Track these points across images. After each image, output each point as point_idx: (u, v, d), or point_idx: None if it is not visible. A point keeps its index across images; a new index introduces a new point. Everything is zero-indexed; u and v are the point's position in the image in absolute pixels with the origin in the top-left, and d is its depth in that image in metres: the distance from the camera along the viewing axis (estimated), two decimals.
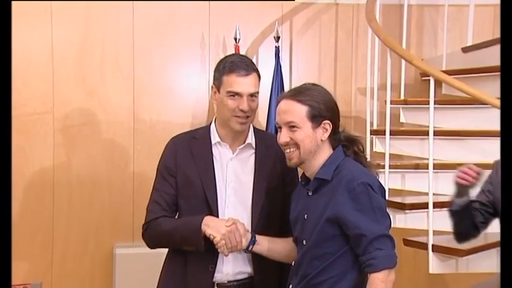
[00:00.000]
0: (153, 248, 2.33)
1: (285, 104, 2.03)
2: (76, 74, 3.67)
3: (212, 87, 2.29)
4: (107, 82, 3.71)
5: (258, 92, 2.24)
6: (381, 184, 2.02)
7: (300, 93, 2.03)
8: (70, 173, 3.65)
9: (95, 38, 3.69)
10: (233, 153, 2.28)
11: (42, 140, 3.60)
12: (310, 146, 2.00)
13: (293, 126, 2.00)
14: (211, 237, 2.14)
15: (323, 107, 2.00)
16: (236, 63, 2.21)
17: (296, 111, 2.00)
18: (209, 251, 2.19)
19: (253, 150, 2.30)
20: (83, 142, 3.67)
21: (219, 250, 2.16)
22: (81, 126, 3.65)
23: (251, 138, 2.31)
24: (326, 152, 2.04)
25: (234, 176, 2.27)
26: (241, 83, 2.19)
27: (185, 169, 2.26)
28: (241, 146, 2.28)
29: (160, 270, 2.37)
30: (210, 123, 2.35)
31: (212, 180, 2.24)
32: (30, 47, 3.55)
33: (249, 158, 2.30)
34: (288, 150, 2.03)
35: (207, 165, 2.26)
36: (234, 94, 2.19)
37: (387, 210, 2.00)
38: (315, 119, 1.99)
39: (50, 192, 3.63)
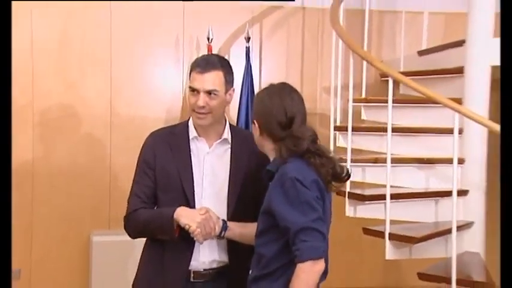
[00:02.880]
0: (135, 238, 2.40)
1: None
2: (56, 68, 3.68)
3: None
4: (86, 76, 3.74)
5: (217, 90, 2.25)
6: (317, 180, 2.03)
7: None
8: (49, 164, 3.67)
9: (75, 32, 3.72)
10: (209, 148, 2.34)
11: (21, 133, 3.60)
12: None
13: None
14: (187, 226, 2.18)
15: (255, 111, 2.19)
16: (198, 62, 2.29)
17: None
18: (185, 240, 2.23)
19: (229, 145, 2.36)
20: (61, 135, 3.69)
21: (194, 238, 2.20)
22: (60, 119, 3.67)
23: (227, 134, 2.36)
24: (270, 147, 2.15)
25: (211, 170, 2.32)
26: (198, 80, 2.24)
27: (164, 163, 2.30)
28: (218, 141, 2.34)
29: (139, 259, 2.42)
30: (188, 119, 2.38)
31: (190, 173, 2.29)
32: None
33: (224, 153, 2.35)
34: None
35: (185, 159, 2.31)
36: (193, 90, 2.25)
37: (315, 204, 1.99)
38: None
39: (29, 182, 3.65)
